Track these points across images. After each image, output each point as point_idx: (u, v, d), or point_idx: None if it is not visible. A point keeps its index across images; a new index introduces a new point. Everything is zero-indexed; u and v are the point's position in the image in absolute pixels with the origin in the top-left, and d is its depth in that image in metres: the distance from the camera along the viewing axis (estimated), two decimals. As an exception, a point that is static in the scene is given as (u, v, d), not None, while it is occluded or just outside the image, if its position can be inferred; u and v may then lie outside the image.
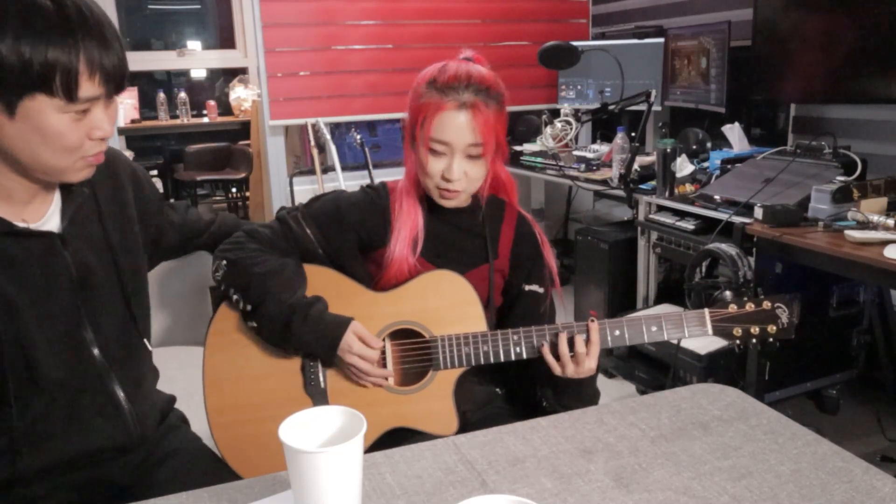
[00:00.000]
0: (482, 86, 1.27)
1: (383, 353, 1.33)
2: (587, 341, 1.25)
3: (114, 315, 1.15)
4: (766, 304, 1.27)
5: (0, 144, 0.97)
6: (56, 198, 1.10)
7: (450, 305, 1.32)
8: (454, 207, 1.37)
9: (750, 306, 1.27)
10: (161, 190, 5.17)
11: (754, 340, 1.27)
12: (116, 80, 0.97)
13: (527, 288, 1.41)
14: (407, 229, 1.34)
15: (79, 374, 1.11)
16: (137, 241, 1.21)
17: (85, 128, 0.98)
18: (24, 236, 1.04)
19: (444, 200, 1.32)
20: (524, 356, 1.29)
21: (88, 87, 0.94)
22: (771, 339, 1.27)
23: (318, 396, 1.30)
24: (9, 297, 1.02)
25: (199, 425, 1.36)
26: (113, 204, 1.17)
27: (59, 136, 0.96)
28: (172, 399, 1.36)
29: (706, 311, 1.28)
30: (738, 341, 1.27)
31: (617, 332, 1.28)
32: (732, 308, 1.27)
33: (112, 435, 1.15)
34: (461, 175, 1.28)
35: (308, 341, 1.26)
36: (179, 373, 1.62)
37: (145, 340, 1.22)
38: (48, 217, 1.08)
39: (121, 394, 1.15)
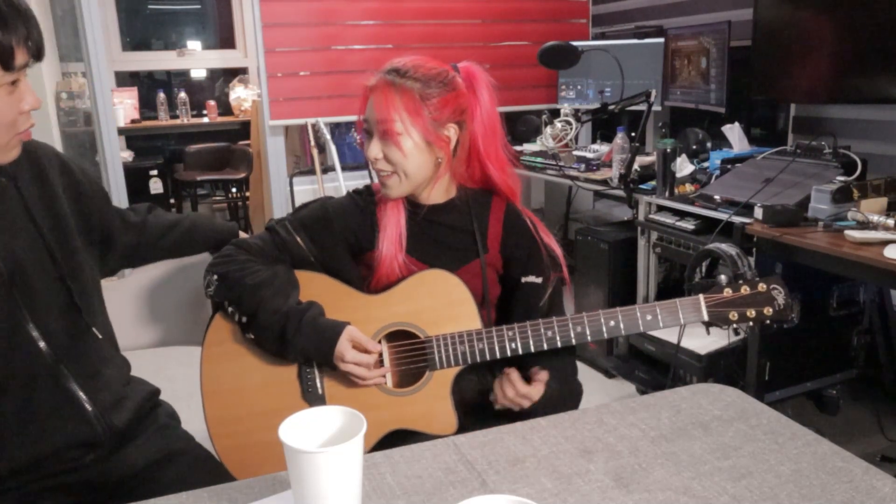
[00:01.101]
0: (402, 69, 1.30)
1: (380, 355, 1.33)
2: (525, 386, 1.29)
3: (56, 306, 1.13)
4: (762, 287, 1.24)
5: None
6: None
7: (443, 304, 1.32)
8: (434, 204, 1.37)
9: (745, 289, 1.24)
10: (161, 190, 5.16)
11: (751, 323, 1.24)
12: (38, 47, 1.05)
13: (524, 280, 1.39)
14: (391, 227, 1.34)
15: (26, 371, 1.09)
16: (71, 227, 1.19)
17: (16, 101, 1.04)
18: None
19: (382, 186, 1.35)
20: (520, 352, 1.28)
21: (20, 55, 1.02)
22: (768, 322, 1.24)
23: (316, 402, 1.30)
24: None
25: (198, 424, 1.36)
26: (38, 191, 1.16)
27: None
28: (156, 391, 1.33)
29: (701, 296, 1.25)
30: (734, 325, 1.24)
31: (612, 323, 1.27)
32: (727, 292, 1.25)
33: (74, 432, 1.13)
34: (378, 154, 1.30)
35: (303, 349, 1.26)
36: (179, 372, 1.62)
37: (94, 329, 1.19)
38: None
39: (76, 388, 1.13)
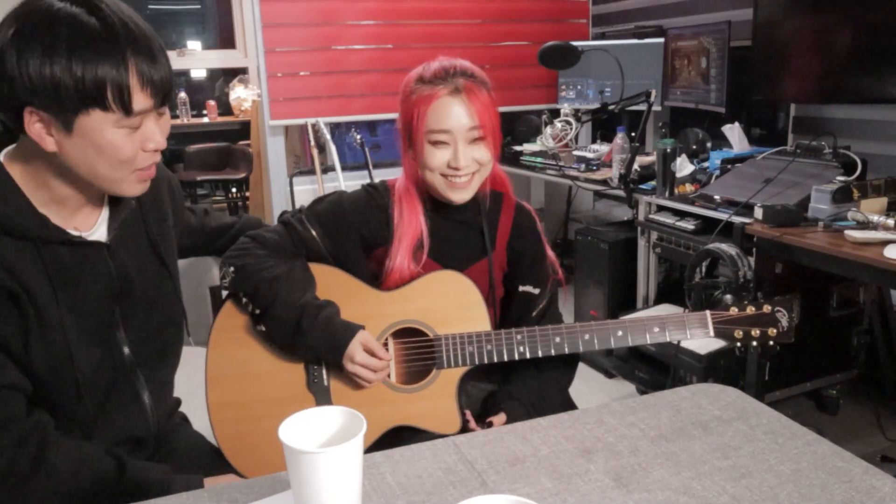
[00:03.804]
0: (469, 72, 1.28)
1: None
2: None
3: (150, 318, 1.18)
4: (766, 308, 1.29)
5: (59, 157, 0.99)
6: (105, 208, 1.13)
7: (454, 305, 1.32)
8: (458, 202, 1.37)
9: (750, 309, 1.29)
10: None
11: (755, 343, 1.29)
12: (164, 91, 1.00)
13: (521, 289, 1.40)
14: (408, 238, 1.33)
15: (109, 370, 1.13)
16: (175, 246, 1.25)
17: (138, 140, 1.00)
18: (76, 245, 1.07)
19: (454, 192, 1.30)
20: (527, 356, 1.29)
21: (141, 99, 0.97)
22: (771, 343, 1.29)
23: (320, 394, 1.30)
24: (47, 299, 1.03)
25: (198, 424, 1.37)
26: (155, 212, 1.21)
27: (114, 150, 0.98)
28: (178, 402, 1.37)
29: (708, 313, 1.29)
30: (739, 343, 1.29)
31: (620, 333, 1.29)
32: (733, 311, 1.29)
33: (132, 430, 1.18)
34: (469, 161, 1.27)
35: (315, 344, 1.26)
36: (180, 371, 1.62)
37: (175, 346, 1.25)
38: (97, 226, 1.11)
39: (145, 393, 1.18)
